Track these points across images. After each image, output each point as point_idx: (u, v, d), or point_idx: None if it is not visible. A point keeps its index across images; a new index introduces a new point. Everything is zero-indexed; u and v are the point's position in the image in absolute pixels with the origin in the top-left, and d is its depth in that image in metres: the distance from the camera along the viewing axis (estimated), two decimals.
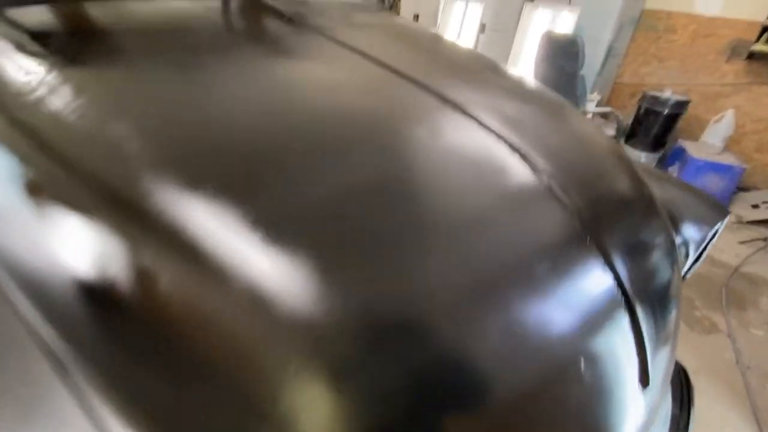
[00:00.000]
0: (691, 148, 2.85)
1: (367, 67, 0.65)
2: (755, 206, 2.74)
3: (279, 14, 0.91)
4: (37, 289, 0.48)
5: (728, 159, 2.73)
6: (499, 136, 0.51)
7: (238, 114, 0.53)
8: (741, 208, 2.79)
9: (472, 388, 0.39)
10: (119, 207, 0.46)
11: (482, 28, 3.77)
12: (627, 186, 0.61)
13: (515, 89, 0.76)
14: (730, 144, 2.99)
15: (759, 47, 2.70)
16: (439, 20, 4.16)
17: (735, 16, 2.86)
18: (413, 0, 4.58)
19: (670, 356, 0.64)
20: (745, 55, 2.81)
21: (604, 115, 3.16)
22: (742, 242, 2.48)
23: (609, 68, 3.43)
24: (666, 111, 2.72)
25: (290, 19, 0.87)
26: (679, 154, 2.93)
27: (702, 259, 1.02)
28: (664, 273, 0.61)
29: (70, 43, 0.84)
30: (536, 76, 2.95)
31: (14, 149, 0.55)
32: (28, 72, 0.72)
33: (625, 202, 0.58)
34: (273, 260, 0.40)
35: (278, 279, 0.39)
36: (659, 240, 0.63)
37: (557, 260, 0.44)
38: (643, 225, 0.59)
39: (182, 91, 0.58)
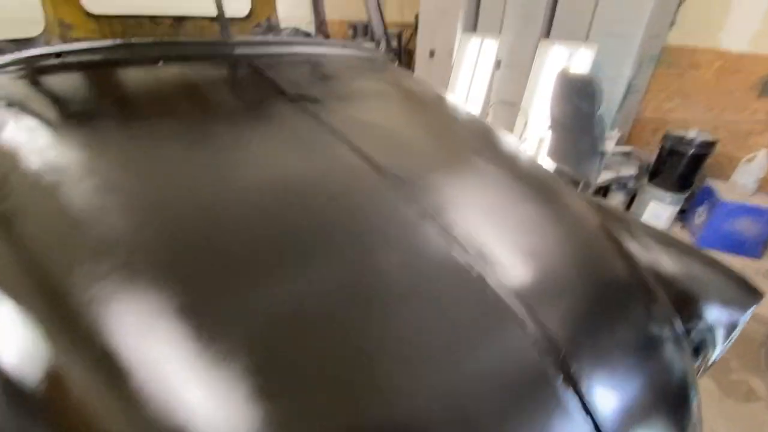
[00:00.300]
0: (721, 189, 2.70)
1: (350, 161, 0.62)
2: None
3: (277, 89, 0.89)
4: None
5: (762, 201, 2.55)
6: (470, 254, 0.46)
7: (203, 213, 0.50)
8: None
9: None
10: (54, 305, 0.43)
11: (497, 64, 3.77)
12: (613, 293, 0.54)
13: (503, 183, 0.70)
14: (764, 184, 2.81)
15: None
16: (454, 56, 4.19)
17: (764, 52, 2.74)
18: (429, 36, 4.65)
19: None
20: None
21: (626, 155, 3.05)
22: None
23: (629, 105, 3.33)
24: (691, 151, 2.59)
25: (286, 95, 0.86)
26: (708, 195, 2.78)
27: (732, 339, 0.91)
28: (663, 392, 0.53)
29: (76, 113, 0.85)
30: (552, 115, 2.90)
31: None
32: (24, 140, 0.72)
33: (609, 316, 0.51)
34: (212, 396, 0.36)
35: (216, 419, 0.35)
36: (659, 348, 0.55)
37: (524, 401, 0.38)
38: (635, 338, 0.51)
39: (151, 183, 0.56)
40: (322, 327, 0.40)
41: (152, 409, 0.36)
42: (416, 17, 5.19)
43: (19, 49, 1.34)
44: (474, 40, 4.00)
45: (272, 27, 1.48)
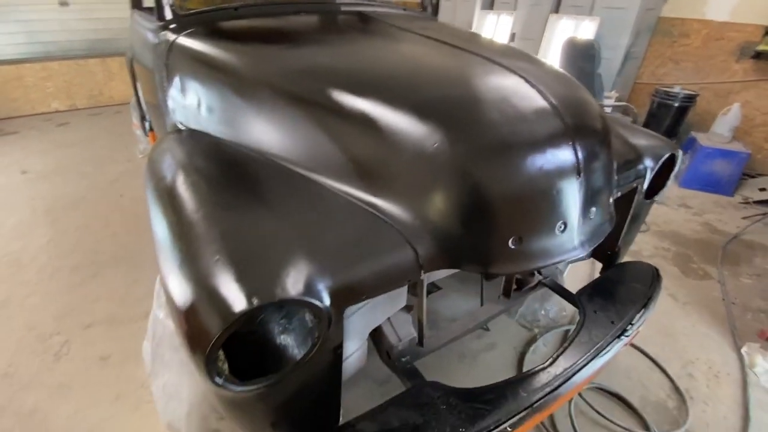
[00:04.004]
0: (702, 138, 3.18)
1: (448, 48, 1.17)
2: (762, 189, 3.03)
3: (381, 21, 1.46)
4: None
5: (735, 146, 3.04)
6: (531, 83, 0.96)
7: (383, 65, 1.07)
8: (749, 191, 3.09)
9: (507, 167, 0.85)
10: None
11: (512, 36, 4.25)
12: (595, 117, 1.04)
13: (540, 63, 1.23)
14: (742, 135, 3.30)
15: (763, 47, 3.03)
16: (473, 30, 4.68)
17: (742, 21, 3.20)
18: (449, 14, 5.13)
19: (604, 183, 1.03)
20: (751, 54, 3.15)
21: (624, 110, 3.54)
22: (745, 218, 2.79)
23: (628, 70, 3.81)
24: (676, 104, 3.09)
25: (390, 24, 1.42)
26: (691, 144, 3.27)
27: (667, 185, 1.46)
28: (604, 158, 1.04)
29: (246, 39, 1.42)
30: None
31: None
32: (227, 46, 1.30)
33: (592, 123, 1.01)
34: (423, 124, 0.89)
35: (425, 132, 0.87)
36: (604, 147, 1.07)
37: (550, 136, 0.87)
38: (599, 137, 1.01)
39: (339, 53, 1.14)
40: (461, 99, 0.92)
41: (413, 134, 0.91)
42: None
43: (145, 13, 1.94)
44: (491, 17, 4.47)
45: None
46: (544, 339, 1.76)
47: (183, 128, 1.45)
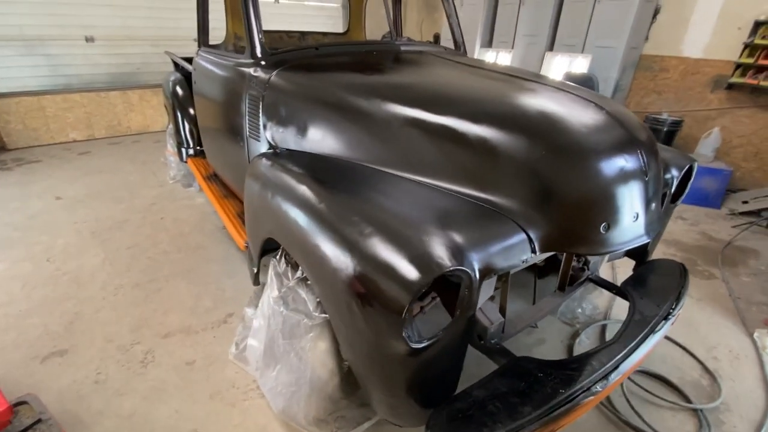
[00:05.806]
0: None
1: (522, 81, 1.44)
2: (745, 202, 3.41)
3: (439, 56, 1.74)
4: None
5: (718, 165, 3.44)
6: (599, 106, 1.23)
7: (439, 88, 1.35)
8: (734, 204, 3.46)
9: (580, 164, 1.10)
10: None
11: None
12: (645, 130, 1.31)
13: (592, 92, 1.52)
14: (722, 156, 3.72)
15: (734, 79, 3.50)
16: None
17: (714, 57, 3.69)
18: None
19: (658, 184, 1.29)
20: (725, 86, 3.61)
21: None
22: (734, 227, 3.13)
23: (617, 100, 4.25)
24: (665, 128, 3.49)
25: (434, 55, 1.71)
26: None
27: (686, 191, 1.74)
28: (657, 163, 1.30)
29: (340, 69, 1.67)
30: None
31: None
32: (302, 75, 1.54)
33: (647, 135, 1.28)
34: (489, 132, 1.14)
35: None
36: (656, 155, 1.34)
37: (624, 145, 1.13)
38: (653, 146, 1.28)
39: (397, 79, 1.41)
40: (521, 120, 1.19)
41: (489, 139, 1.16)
42: (435, 35, 6.14)
43: (213, 50, 2.20)
44: (490, 53, 4.92)
45: (396, 37, 2.37)
46: (585, 333, 1.97)
47: (278, 149, 1.66)
